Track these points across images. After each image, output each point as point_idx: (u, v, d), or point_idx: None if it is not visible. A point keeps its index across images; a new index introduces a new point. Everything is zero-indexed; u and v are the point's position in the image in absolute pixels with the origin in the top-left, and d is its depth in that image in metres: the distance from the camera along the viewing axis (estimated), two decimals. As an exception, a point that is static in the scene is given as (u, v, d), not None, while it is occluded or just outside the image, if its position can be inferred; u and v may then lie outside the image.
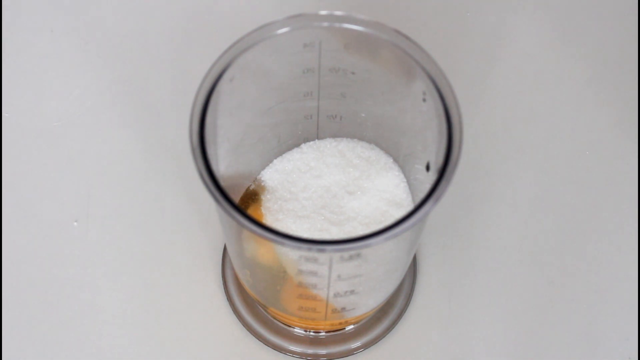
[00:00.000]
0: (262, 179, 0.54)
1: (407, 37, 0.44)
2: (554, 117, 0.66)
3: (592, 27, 0.70)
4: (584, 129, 0.66)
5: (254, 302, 0.57)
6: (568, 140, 0.65)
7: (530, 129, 0.65)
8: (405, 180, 0.53)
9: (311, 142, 0.55)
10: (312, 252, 0.41)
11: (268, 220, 0.51)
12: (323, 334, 0.57)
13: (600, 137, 0.65)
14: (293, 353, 0.57)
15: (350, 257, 0.42)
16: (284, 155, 0.54)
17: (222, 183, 0.41)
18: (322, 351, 0.57)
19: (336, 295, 0.46)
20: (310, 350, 0.57)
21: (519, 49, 0.69)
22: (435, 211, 0.43)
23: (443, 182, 0.41)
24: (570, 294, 0.60)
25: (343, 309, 0.49)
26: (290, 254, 0.45)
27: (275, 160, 0.54)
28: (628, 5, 0.70)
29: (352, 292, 0.46)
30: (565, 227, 0.62)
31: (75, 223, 0.61)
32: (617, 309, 0.59)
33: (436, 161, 0.44)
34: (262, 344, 0.57)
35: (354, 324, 0.56)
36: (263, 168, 0.55)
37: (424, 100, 0.45)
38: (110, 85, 0.65)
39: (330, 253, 0.41)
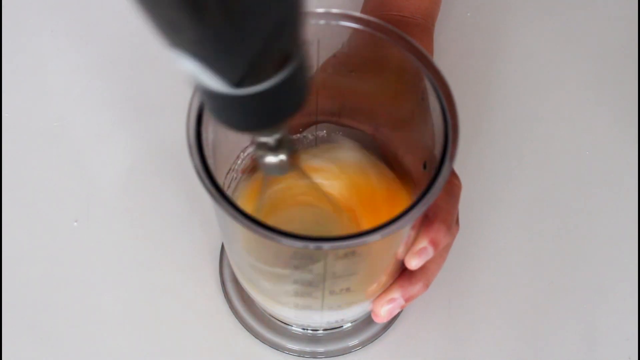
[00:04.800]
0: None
1: (404, 36, 0.44)
2: (554, 117, 0.66)
3: (592, 27, 0.70)
4: (584, 129, 0.66)
5: (252, 301, 0.57)
6: (568, 140, 0.65)
7: (531, 129, 0.65)
8: (398, 179, 0.53)
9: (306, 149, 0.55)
10: (309, 250, 0.40)
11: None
12: (321, 331, 0.57)
13: (600, 137, 0.65)
14: (291, 351, 0.57)
15: (346, 255, 0.42)
16: None
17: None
18: (320, 349, 0.57)
19: (332, 292, 0.46)
20: (308, 348, 0.57)
21: (519, 49, 0.69)
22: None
23: (438, 181, 0.40)
24: (570, 294, 0.60)
25: (339, 306, 0.49)
26: (285, 251, 0.45)
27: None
28: (628, 5, 0.70)
29: (347, 289, 0.46)
30: (565, 227, 0.62)
31: (75, 223, 0.61)
32: (617, 309, 0.59)
33: (433, 160, 0.44)
34: (260, 342, 0.57)
35: (351, 322, 0.56)
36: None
37: (422, 99, 0.45)
38: (110, 85, 0.66)
39: (326, 250, 0.41)
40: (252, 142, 0.40)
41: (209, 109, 0.36)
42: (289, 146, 0.39)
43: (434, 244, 0.46)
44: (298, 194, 0.52)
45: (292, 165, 0.40)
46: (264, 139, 0.38)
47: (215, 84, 0.32)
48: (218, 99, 0.34)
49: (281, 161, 0.40)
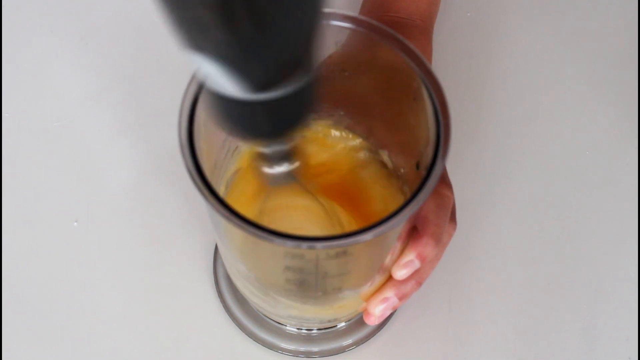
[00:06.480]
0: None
1: (397, 36, 0.44)
2: (554, 117, 0.66)
3: (592, 27, 0.70)
4: (584, 129, 0.65)
5: (246, 300, 0.57)
6: (568, 140, 0.65)
7: (530, 128, 0.65)
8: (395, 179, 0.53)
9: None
10: (301, 249, 0.40)
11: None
12: (315, 331, 0.57)
13: (600, 137, 0.65)
14: (285, 350, 0.57)
15: (337, 255, 0.41)
16: None
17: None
18: (314, 348, 0.57)
19: (325, 292, 0.46)
20: (302, 348, 0.57)
21: (518, 48, 0.69)
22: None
23: (430, 180, 0.40)
24: (569, 294, 0.59)
25: (332, 306, 0.49)
26: (278, 250, 0.45)
27: None
28: (628, 5, 0.70)
29: (339, 289, 0.46)
30: (565, 227, 0.62)
31: (75, 223, 0.61)
32: (617, 309, 0.59)
33: (426, 159, 0.44)
34: (254, 341, 0.57)
35: (345, 321, 0.56)
36: None
37: (415, 98, 0.45)
38: (109, 85, 0.66)
39: (318, 250, 0.41)
40: (259, 154, 0.39)
41: (219, 119, 0.35)
42: (296, 156, 0.39)
43: (421, 257, 0.47)
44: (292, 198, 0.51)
45: (298, 174, 0.40)
46: (273, 149, 0.38)
47: (233, 88, 0.32)
48: (232, 106, 0.33)
49: (289, 171, 0.39)
